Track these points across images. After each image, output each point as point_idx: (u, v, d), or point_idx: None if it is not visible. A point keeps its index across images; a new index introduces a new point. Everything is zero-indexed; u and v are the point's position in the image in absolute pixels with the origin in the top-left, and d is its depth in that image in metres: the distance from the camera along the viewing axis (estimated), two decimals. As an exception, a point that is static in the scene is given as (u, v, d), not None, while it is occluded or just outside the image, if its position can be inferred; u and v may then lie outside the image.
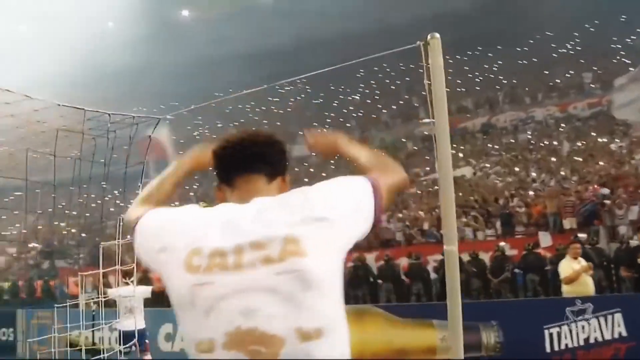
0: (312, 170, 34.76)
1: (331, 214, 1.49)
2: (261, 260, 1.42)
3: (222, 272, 1.43)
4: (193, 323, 1.47)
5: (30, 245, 28.60)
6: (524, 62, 38.89)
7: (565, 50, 38.74)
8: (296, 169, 36.49)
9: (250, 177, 1.67)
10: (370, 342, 4.16)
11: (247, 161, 1.67)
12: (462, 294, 2.93)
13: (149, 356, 9.06)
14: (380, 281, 15.02)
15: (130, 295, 8.59)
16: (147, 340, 9.05)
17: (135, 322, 8.48)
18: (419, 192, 23.66)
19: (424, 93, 2.92)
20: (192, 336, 1.47)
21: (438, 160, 2.81)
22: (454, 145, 29.94)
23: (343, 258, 1.51)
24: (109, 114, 4.06)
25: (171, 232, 1.55)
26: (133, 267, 9.68)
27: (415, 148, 33.57)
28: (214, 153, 1.75)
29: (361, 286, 14.68)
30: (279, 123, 46.56)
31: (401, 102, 41.68)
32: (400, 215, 19.69)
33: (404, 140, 35.33)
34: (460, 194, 19.40)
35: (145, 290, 8.94)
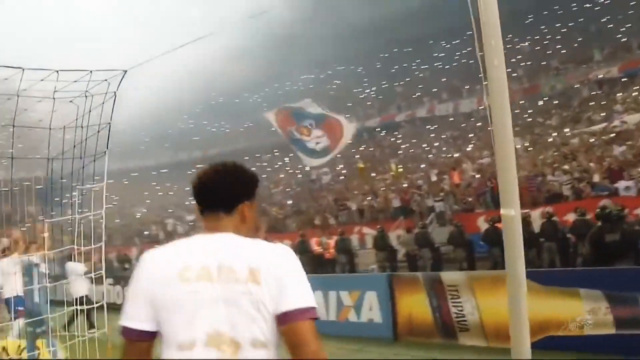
0: (479, 124, 33.27)
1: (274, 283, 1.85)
2: (233, 280, 1.82)
3: (207, 282, 1.84)
4: (179, 324, 1.84)
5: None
6: None
7: None
8: (463, 125, 35.12)
9: (212, 211, 2.04)
10: (506, 310, 3.73)
11: (207, 201, 2.05)
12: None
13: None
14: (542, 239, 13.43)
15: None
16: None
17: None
18: (591, 140, 21.27)
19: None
20: (174, 336, 1.84)
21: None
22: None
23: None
24: (57, 72, 3.67)
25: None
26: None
27: (593, 93, 30.45)
28: (192, 188, 2.10)
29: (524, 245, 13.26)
30: (444, 79, 45.31)
31: (575, 45, 38.04)
32: (566, 167, 17.78)
33: (577, 86, 32.13)
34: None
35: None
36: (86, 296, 11.67)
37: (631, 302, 6.73)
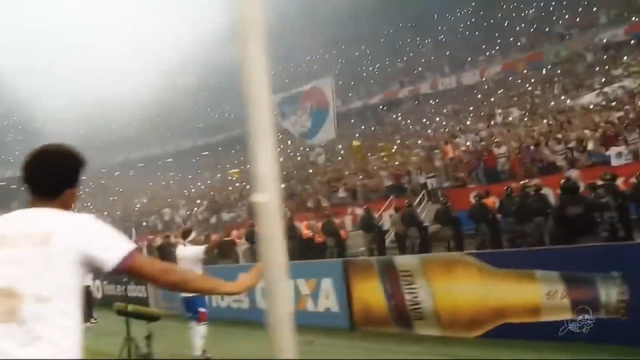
0: (480, 97, 32.22)
1: (80, 236, 2.01)
2: (29, 244, 1.97)
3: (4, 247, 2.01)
4: None
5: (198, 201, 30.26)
6: None
7: None
8: (465, 98, 34.01)
9: (36, 196, 2.12)
10: (461, 296, 3.03)
11: (31, 186, 2.13)
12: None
13: (203, 327, 8.26)
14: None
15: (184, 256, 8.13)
16: (201, 309, 8.28)
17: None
18: (592, 105, 20.21)
19: None
20: None
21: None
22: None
23: (80, 270, 2.01)
24: None
25: None
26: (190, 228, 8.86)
27: (598, 58, 29.18)
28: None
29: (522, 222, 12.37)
30: (448, 52, 44.08)
31: (580, 9, 36.60)
32: (559, 136, 16.79)
33: (582, 52, 30.82)
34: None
35: (196, 251, 8.13)
36: (88, 287, 12.57)
37: (588, 284, 5.90)
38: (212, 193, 31.84)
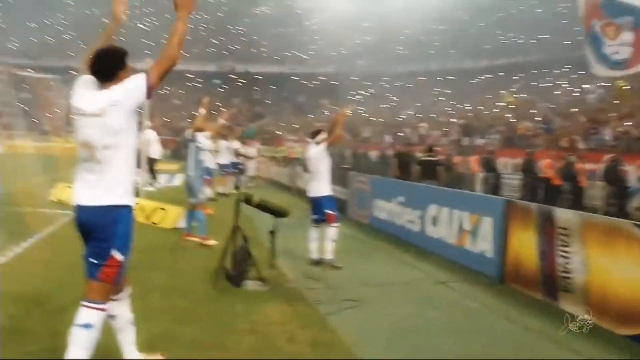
0: None
1: (120, 98, 3.27)
2: (93, 114, 3.27)
3: (80, 115, 3.34)
4: None
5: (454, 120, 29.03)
6: None
7: None
8: None
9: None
10: (618, 271, 2.57)
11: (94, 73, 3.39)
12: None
13: (332, 229, 7.76)
14: None
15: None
16: (329, 210, 7.82)
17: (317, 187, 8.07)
18: None
19: None
20: None
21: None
22: None
23: (132, 114, 3.35)
24: None
25: None
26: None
27: None
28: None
29: None
30: None
31: None
32: None
33: None
34: None
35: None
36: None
37: None
38: (471, 115, 30.39)
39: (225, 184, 16.70)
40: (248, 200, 6.89)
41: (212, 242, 8.37)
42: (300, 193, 17.61)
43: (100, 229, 3.24)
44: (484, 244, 7.53)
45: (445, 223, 8.61)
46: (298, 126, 43.92)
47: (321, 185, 7.93)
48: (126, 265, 3.38)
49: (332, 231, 7.85)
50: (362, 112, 41.63)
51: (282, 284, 6.40)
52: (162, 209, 9.84)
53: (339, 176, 13.78)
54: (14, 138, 40.55)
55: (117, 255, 3.26)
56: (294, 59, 60.30)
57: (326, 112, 49.63)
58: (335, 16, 53.52)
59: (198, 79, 61.06)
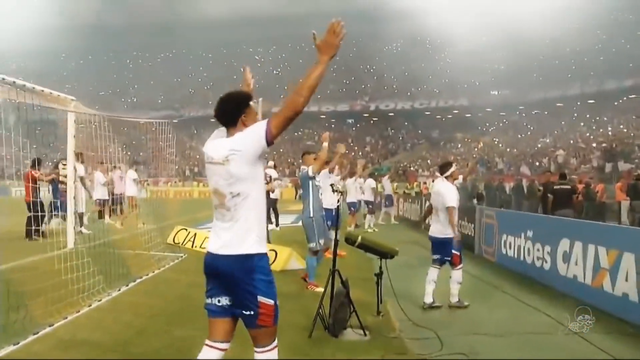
0: None
1: (242, 147, 3.20)
2: (219, 162, 3.26)
3: (210, 163, 3.34)
4: None
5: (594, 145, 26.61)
6: None
7: None
8: None
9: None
10: None
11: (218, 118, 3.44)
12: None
13: (457, 271, 7.17)
14: None
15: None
16: (455, 251, 7.18)
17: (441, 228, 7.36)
18: None
19: None
20: None
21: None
22: None
23: (255, 163, 3.25)
24: None
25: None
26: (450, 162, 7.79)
27: None
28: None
29: None
30: None
31: None
32: None
33: None
34: None
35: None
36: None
37: None
38: (613, 138, 27.83)
39: (351, 223, 16.41)
40: (350, 240, 6.47)
41: (320, 288, 7.84)
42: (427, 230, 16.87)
43: (240, 279, 3.21)
44: (626, 285, 6.44)
45: (578, 260, 7.57)
46: (430, 161, 43.04)
47: (446, 227, 7.22)
48: (278, 305, 3.32)
49: (457, 274, 7.21)
50: (497, 142, 39.92)
51: (385, 332, 5.81)
52: (273, 250, 9.67)
53: (465, 210, 12.98)
54: (159, 184, 43.72)
55: (266, 300, 3.22)
56: (426, 93, 59.74)
57: (459, 146, 48.31)
58: (466, 47, 52.51)
59: (331, 119, 62.28)
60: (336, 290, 5.93)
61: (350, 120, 64.00)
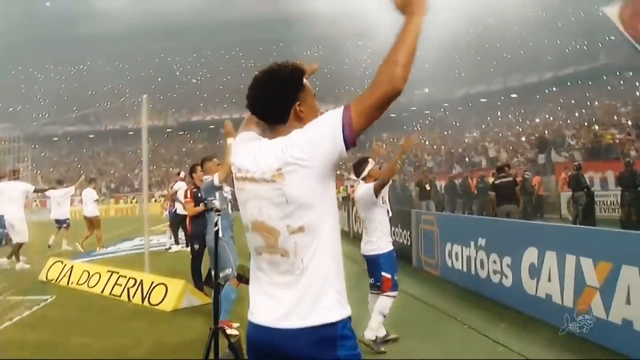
0: None
1: (305, 154, 1.92)
2: (264, 179, 2.00)
3: (247, 182, 2.07)
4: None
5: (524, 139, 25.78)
6: None
7: None
8: None
9: (269, 124, 2.15)
10: None
11: (260, 117, 2.18)
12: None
13: (385, 299, 5.32)
14: None
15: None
16: (386, 274, 5.35)
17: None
18: None
19: None
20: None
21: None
22: None
23: (326, 179, 1.96)
24: None
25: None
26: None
27: None
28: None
29: None
30: None
31: None
32: None
33: None
34: None
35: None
36: None
37: None
38: (544, 131, 27.03)
39: None
40: (244, 279, 4.42)
41: (234, 331, 5.78)
42: (357, 239, 15.02)
43: None
44: (628, 311, 4.65)
45: (552, 275, 5.76)
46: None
47: (378, 239, 5.45)
48: None
49: (383, 302, 5.32)
50: (424, 140, 38.88)
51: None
52: (162, 284, 7.42)
53: (399, 215, 11.14)
54: (74, 203, 40.06)
55: None
56: (349, 95, 58.45)
57: (384, 146, 47.24)
58: (385, 49, 51.65)
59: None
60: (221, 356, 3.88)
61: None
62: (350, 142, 1.89)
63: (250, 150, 2.10)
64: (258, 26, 61.62)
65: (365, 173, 5.58)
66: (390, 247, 5.49)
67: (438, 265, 9.05)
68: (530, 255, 6.15)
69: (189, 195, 7.56)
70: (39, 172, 42.59)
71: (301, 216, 1.96)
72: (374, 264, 5.47)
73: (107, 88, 63.14)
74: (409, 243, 10.71)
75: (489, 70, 48.58)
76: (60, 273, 9.13)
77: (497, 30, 47.62)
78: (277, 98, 2.06)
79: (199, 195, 7.07)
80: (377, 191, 5.31)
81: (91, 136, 60.78)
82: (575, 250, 5.37)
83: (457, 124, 44.18)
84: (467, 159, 27.99)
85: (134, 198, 43.99)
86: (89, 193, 14.55)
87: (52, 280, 9.17)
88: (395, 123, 49.17)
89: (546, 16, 46.49)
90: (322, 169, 1.93)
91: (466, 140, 35.05)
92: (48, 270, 9.48)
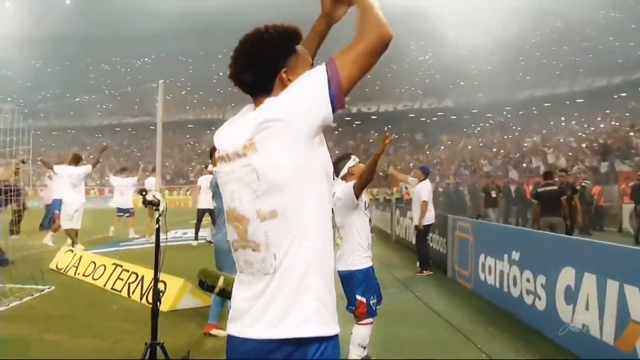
0: None
1: (281, 114, 1.56)
2: (236, 155, 1.65)
3: (223, 163, 1.73)
4: None
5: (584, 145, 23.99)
6: None
7: None
8: None
9: (252, 96, 1.79)
10: None
11: (240, 87, 1.79)
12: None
13: (362, 328, 4.46)
14: None
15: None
16: (360, 297, 4.41)
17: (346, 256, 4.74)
18: None
19: None
20: None
21: None
22: None
23: (307, 150, 1.58)
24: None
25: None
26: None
27: None
28: None
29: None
30: None
31: None
32: None
33: None
34: None
35: None
36: None
37: None
38: (607, 136, 25.15)
39: None
40: (206, 284, 3.69)
41: (221, 331, 5.32)
42: (400, 243, 14.11)
43: None
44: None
45: (590, 303, 4.77)
46: (413, 165, 40.40)
47: (353, 252, 4.51)
48: None
49: (360, 332, 4.44)
50: (483, 144, 37.31)
51: None
52: (162, 281, 6.81)
53: (437, 221, 10.21)
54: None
55: None
56: (410, 95, 57.15)
57: (442, 148, 45.91)
58: (451, 48, 50.31)
59: (312, 124, 59.56)
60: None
61: (333, 124, 61.09)
62: (337, 101, 1.58)
63: (231, 125, 1.79)
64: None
65: (345, 171, 4.68)
66: (368, 264, 4.52)
67: (471, 278, 8.09)
68: (566, 276, 5.15)
69: None
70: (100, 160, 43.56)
71: (273, 197, 1.60)
72: (347, 282, 4.49)
73: (169, 81, 64.10)
74: (444, 251, 9.78)
75: (555, 74, 46.25)
76: (69, 263, 8.71)
77: (565, 32, 45.38)
78: (256, 63, 1.73)
79: None
80: (358, 191, 4.42)
81: (152, 128, 61.91)
82: (619, 275, 4.36)
83: (518, 128, 42.19)
84: (524, 165, 26.46)
85: (188, 190, 44.22)
86: (151, 182, 14.40)
87: (62, 269, 8.77)
88: (455, 126, 47.68)
89: (618, 18, 43.93)
90: (302, 134, 1.58)
91: (525, 145, 33.24)
92: (59, 260, 9.09)
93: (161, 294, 6.14)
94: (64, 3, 59.57)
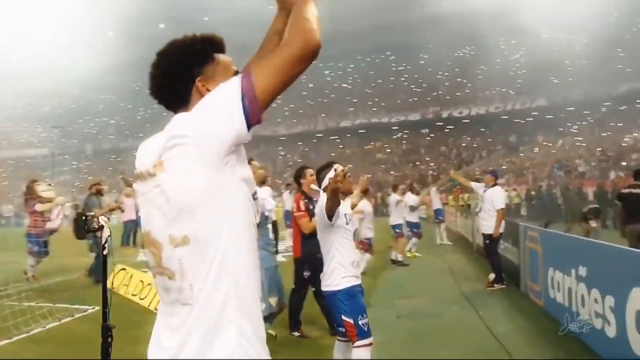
0: None
1: (188, 130, 1.44)
2: (148, 174, 1.51)
3: (139, 182, 1.57)
4: None
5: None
6: None
7: None
8: None
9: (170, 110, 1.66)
10: None
11: (159, 102, 1.69)
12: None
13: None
14: None
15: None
16: (347, 318, 3.92)
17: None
18: None
19: None
20: None
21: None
22: None
23: (220, 170, 1.43)
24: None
25: None
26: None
27: None
28: None
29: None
30: None
31: None
32: None
33: None
34: None
35: None
36: None
37: None
38: None
39: (398, 248, 12.55)
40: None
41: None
42: (480, 253, 13.06)
43: None
44: None
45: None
46: (506, 168, 38.53)
47: (333, 271, 4.00)
48: None
49: (360, 355, 3.85)
50: (579, 143, 34.83)
51: None
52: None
53: (509, 228, 9.25)
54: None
55: None
56: (501, 96, 54.78)
57: (536, 150, 43.52)
58: (543, 45, 47.81)
59: (404, 130, 58.56)
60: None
61: (424, 130, 59.58)
62: (252, 116, 1.43)
63: (151, 140, 1.62)
64: (406, 30, 59.87)
65: (326, 181, 4.11)
66: (350, 283, 3.97)
67: (542, 294, 7.11)
68: (638, 298, 4.21)
69: (302, 207, 5.86)
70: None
71: (184, 222, 1.46)
72: (331, 303, 4.02)
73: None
74: (518, 263, 8.78)
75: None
76: (121, 282, 8.58)
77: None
78: (167, 72, 1.63)
79: (311, 207, 5.68)
80: (329, 211, 3.83)
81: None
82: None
83: (619, 125, 39.04)
84: (623, 163, 24.19)
85: (278, 203, 44.65)
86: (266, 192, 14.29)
87: (114, 288, 8.68)
88: (551, 125, 45.01)
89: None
90: (212, 152, 1.42)
91: (625, 142, 30.53)
92: (113, 278, 9.02)
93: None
94: (157, 27, 62.18)
